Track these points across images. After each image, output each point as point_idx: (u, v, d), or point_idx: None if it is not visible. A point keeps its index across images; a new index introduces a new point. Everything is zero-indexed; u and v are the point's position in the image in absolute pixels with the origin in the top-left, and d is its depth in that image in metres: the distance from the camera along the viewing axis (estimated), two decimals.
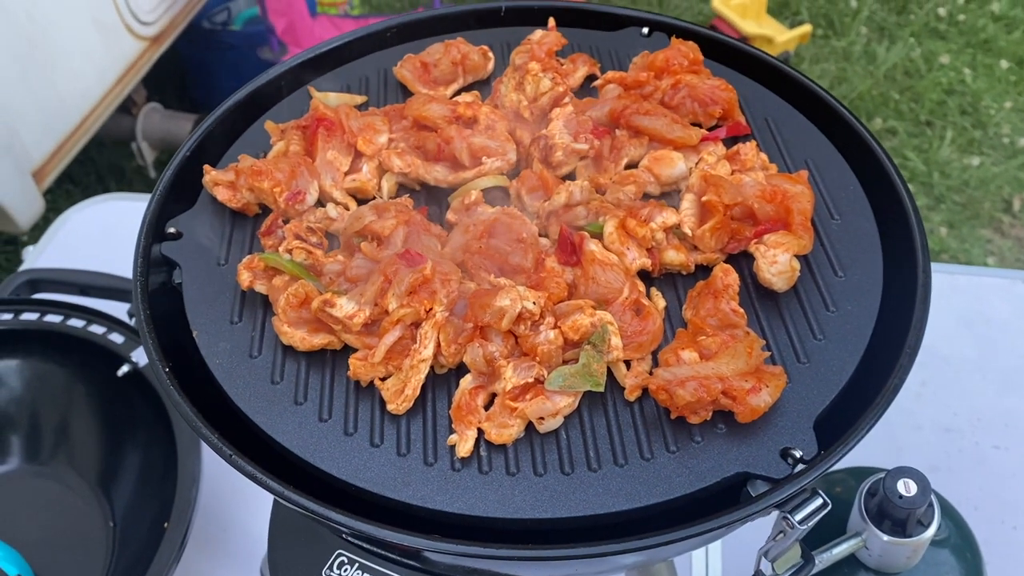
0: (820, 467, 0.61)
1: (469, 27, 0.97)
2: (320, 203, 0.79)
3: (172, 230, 0.78)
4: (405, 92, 0.90)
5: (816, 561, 0.79)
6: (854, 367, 0.68)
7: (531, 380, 0.64)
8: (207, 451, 1.13)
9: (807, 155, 0.83)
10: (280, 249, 0.72)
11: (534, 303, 0.65)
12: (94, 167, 3.34)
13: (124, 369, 1.21)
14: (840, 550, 0.80)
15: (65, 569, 1.17)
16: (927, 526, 0.78)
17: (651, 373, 0.66)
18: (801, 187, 0.74)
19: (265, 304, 0.73)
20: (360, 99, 0.88)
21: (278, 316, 0.69)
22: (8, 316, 1.26)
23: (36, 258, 1.56)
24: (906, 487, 0.76)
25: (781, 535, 0.64)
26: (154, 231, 0.78)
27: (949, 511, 0.88)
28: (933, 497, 0.79)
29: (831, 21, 3.98)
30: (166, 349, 0.70)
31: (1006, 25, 3.92)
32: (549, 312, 0.67)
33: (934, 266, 1.59)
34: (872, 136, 0.83)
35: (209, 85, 3.30)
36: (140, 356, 1.22)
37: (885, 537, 0.79)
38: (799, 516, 0.62)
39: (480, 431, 0.64)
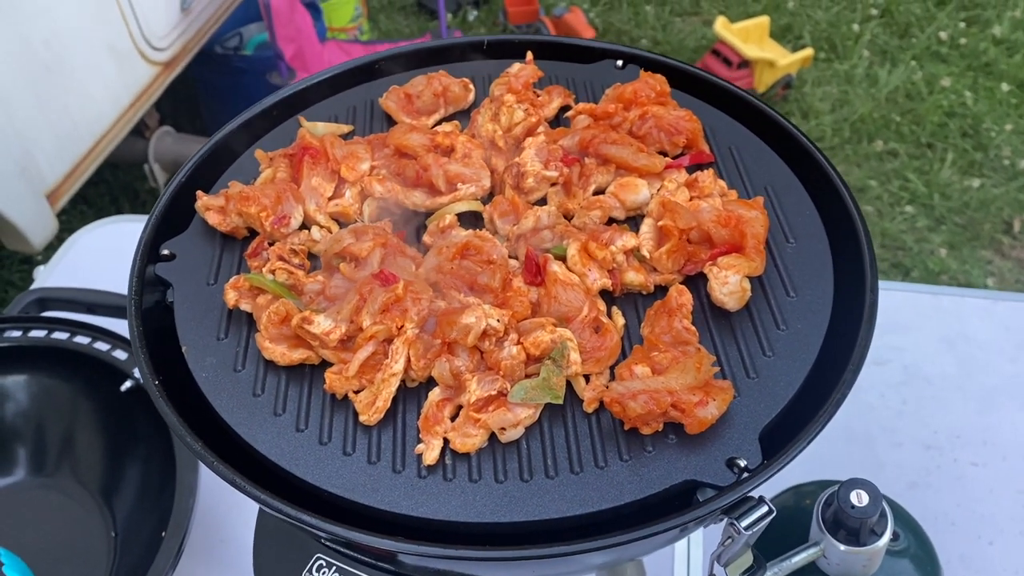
0: (762, 475, 0.65)
1: (454, 59, 1.03)
2: (305, 226, 0.84)
3: (166, 252, 0.83)
4: (390, 121, 0.95)
5: (775, 570, 0.83)
6: (800, 382, 0.72)
7: (494, 393, 0.68)
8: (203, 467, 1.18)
9: (767, 181, 0.87)
10: (264, 270, 0.77)
11: (498, 320, 0.70)
12: (108, 189, 3.41)
13: (127, 385, 1.26)
14: (799, 559, 0.84)
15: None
16: (880, 535, 0.82)
17: (607, 387, 0.70)
18: (756, 212, 0.79)
19: (250, 321, 0.77)
20: (346, 128, 0.94)
21: (260, 332, 0.74)
22: (17, 333, 1.31)
23: (47, 277, 1.62)
24: (858, 498, 0.80)
25: (730, 540, 0.68)
26: (149, 252, 0.83)
27: (908, 522, 0.92)
28: (886, 507, 0.82)
29: (833, 45, 4.04)
30: (157, 364, 0.75)
31: (1007, 48, 3.96)
32: (513, 329, 0.71)
33: (919, 287, 1.63)
34: (829, 163, 0.88)
35: (220, 109, 3.38)
36: None
37: (841, 547, 0.83)
38: (745, 522, 0.65)
39: (446, 440, 0.68)
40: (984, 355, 1.47)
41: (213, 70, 3.26)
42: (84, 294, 1.42)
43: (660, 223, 0.77)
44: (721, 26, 3.74)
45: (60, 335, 1.31)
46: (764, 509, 0.66)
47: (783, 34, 4.07)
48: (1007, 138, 3.59)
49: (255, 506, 0.85)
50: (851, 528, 0.81)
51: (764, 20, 3.80)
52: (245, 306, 0.77)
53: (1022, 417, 1.37)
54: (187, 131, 3.27)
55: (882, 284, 1.56)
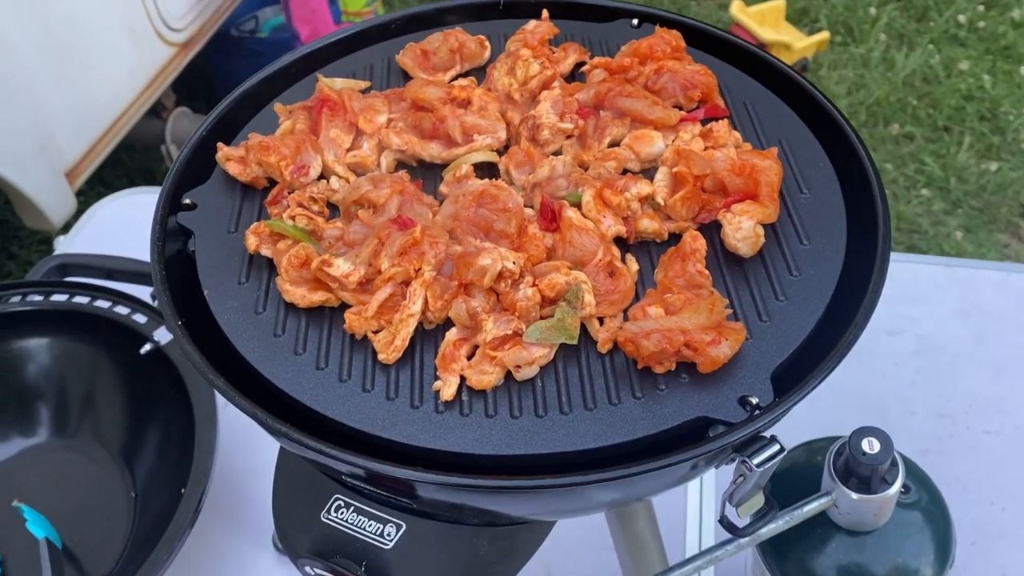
0: (774, 412, 0.66)
1: (470, 19, 1.04)
2: (323, 177, 0.85)
3: (187, 201, 0.85)
4: (407, 78, 0.96)
5: (787, 518, 0.84)
6: (813, 325, 0.72)
7: (510, 332, 0.70)
8: (223, 427, 1.20)
9: (781, 135, 0.88)
10: (284, 216, 0.78)
11: (514, 263, 0.71)
12: (125, 171, 3.44)
13: (147, 348, 1.28)
14: (810, 508, 0.85)
15: (90, 536, 1.23)
16: (891, 483, 0.83)
17: (621, 327, 0.71)
18: (770, 162, 0.79)
19: (270, 267, 0.79)
20: (364, 84, 0.95)
21: (281, 276, 0.75)
22: (39, 297, 1.33)
23: (67, 246, 1.65)
24: (870, 445, 0.81)
25: (741, 479, 0.69)
26: (171, 203, 0.84)
27: (920, 476, 0.93)
28: (897, 456, 0.83)
29: (850, 28, 4.02)
30: (179, 306, 0.76)
31: None
32: (528, 272, 0.72)
33: (934, 259, 1.63)
34: (845, 119, 0.88)
35: None
36: (162, 335, 1.29)
37: (852, 495, 0.83)
38: (757, 460, 0.66)
39: (462, 378, 0.69)
40: (998, 326, 1.47)
41: (229, 52, 3.29)
42: (104, 260, 1.44)
43: (675, 170, 0.77)
44: (737, 9, 3.73)
45: (81, 299, 1.33)
46: (776, 447, 0.67)
47: (799, 17, 4.06)
48: None
49: (274, 467, 0.87)
50: (862, 476, 0.82)
51: (780, 3, 3.78)
52: (265, 251, 0.78)
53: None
54: (203, 112, 3.30)
55: (897, 256, 1.56)
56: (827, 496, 0.85)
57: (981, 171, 3.41)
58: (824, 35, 3.75)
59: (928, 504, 0.91)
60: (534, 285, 0.71)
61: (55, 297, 1.34)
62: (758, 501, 0.74)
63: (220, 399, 1.21)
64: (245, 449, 1.31)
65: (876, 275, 0.74)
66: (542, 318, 0.71)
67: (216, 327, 0.76)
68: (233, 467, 1.30)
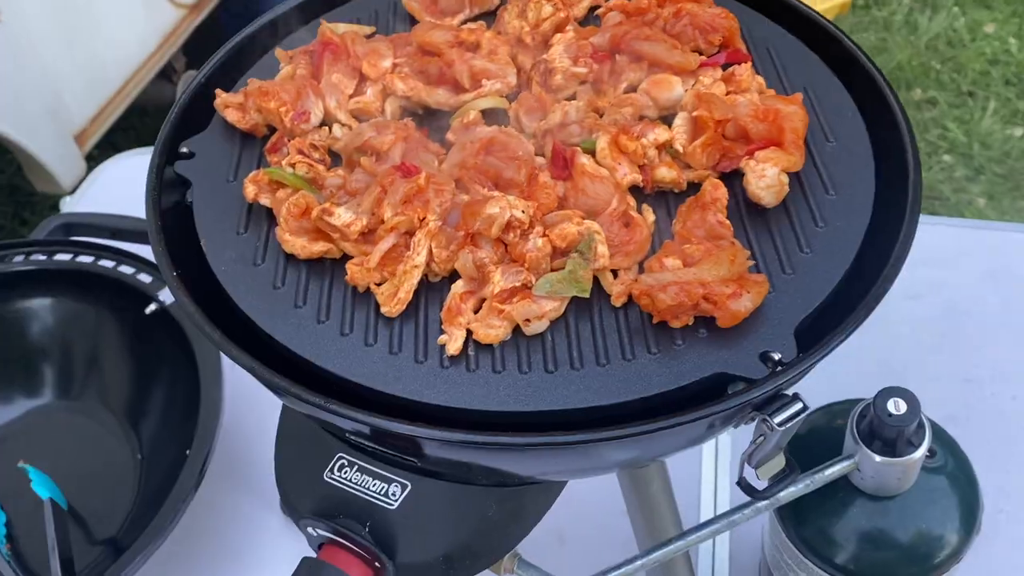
0: (798, 368, 0.62)
1: None
2: (325, 123, 0.81)
3: (185, 150, 0.81)
4: (413, 23, 0.92)
5: (808, 482, 0.81)
6: (839, 278, 0.69)
7: (519, 285, 0.66)
8: (230, 388, 1.17)
9: (806, 82, 0.83)
10: (284, 163, 0.75)
11: (523, 211, 0.67)
12: (136, 135, 3.41)
13: (151, 308, 1.26)
14: (832, 471, 0.82)
15: (96, 497, 1.22)
16: (917, 446, 0.79)
17: (636, 280, 0.68)
18: (795, 107, 0.75)
19: (270, 217, 0.76)
20: (368, 30, 0.91)
21: (280, 226, 0.72)
22: (43, 256, 1.31)
23: (73, 207, 1.62)
24: (896, 406, 0.77)
25: (762, 439, 0.65)
26: (168, 151, 0.81)
27: (946, 440, 0.89)
28: (924, 418, 0.80)
29: None
30: (176, 260, 0.73)
31: None
32: (539, 221, 0.69)
33: (961, 221, 1.58)
34: (873, 64, 0.84)
35: None
36: (167, 295, 1.26)
37: (877, 458, 0.80)
38: (778, 419, 0.63)
39: (469, 332, 0.66)
40: None
41: (240, 14, 3.23)
42: (108, 219, 1.42)
43: (695, 114, 0.73)
44: None
45: (85, 259, 1.31)
46: (798, 406, 0.64)
47: None
48: None
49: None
50: (887, 438, 0.78)
51: None
52: (265, 200, 0.75)
53: None
54: None
55: (923, 218, 1.51)
56: (850, 459, 0.82)
57: (1006, 137, 3.34)
58: None
59: (954, 469, 0.87)
60: (544, 235, 0.68)
61: (59, 256, 1.31)
62: (778, 463, 0.71)
63: (226, 359, 1.18)
64: (252, 410, 1.28)
65: (906, 226, 0.70)
66: (553, 270, 0.68)
67: (213, 278, 0.73)
68: (241, 427, 1.28)
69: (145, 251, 1.35)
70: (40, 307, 1.32)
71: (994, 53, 3.61)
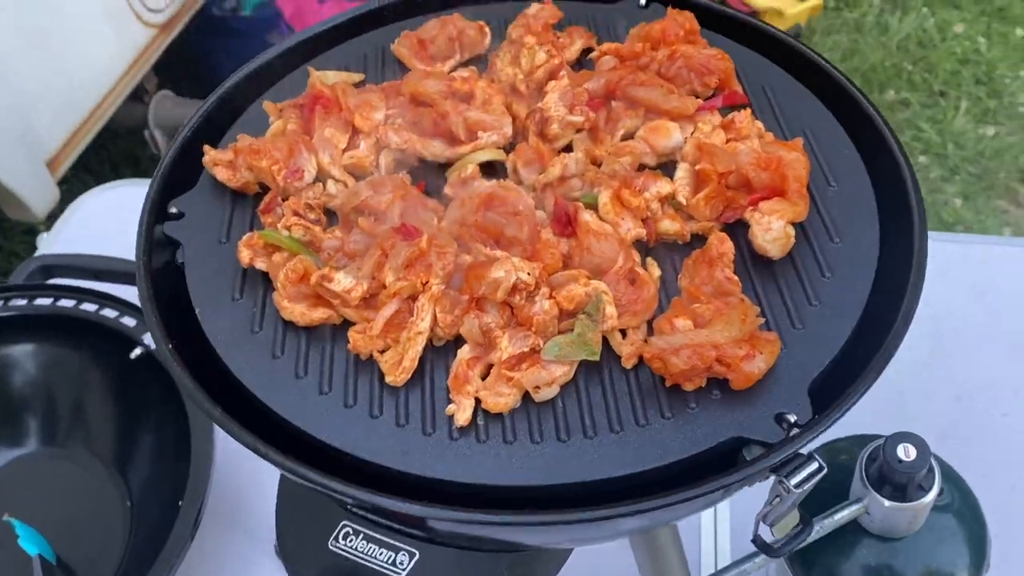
0: (814, 431, 0.61)
1: (466, 3, 0.98)
2: (319, 180, 0.79)
3: (174, 210, 0.79)
4: (403, 69, 0.90)
5: (817, 527, 0.80)
6: (849, 332, 0.68)
7: (527, 350, 0.65)
8: (221, 431, 1.15)
9: (804, 123, 0.83)
10: (279, 226, 0.73)
11: (528, 274, 0.66)
12: (108, 156, 3.36)
13: (137, 352, 1.23)
14: (842, 516, 0.81)
15: (85, 548, 1.19)
16: (928, 490, 0.79)
17: (647, 341, 0.66)
18: (796, 154, 0.74)
19: (266, 281, 0.74)
20: (358, 77, 0.89)
21: (278, 292, 0.70)
22: (22, 302, 1.28)
23: (50, 244, 1.58)
24: (906, 452, 0.77)
25: (778, 499, 0.64)
26: (157, 211, 0.79)
27: (952, 477, 0.89)
28: (933, 461, 0.79)
29: None
30: (170, 327, 0.71)
31: None
32: (544, 283, 0.67)
33: (946, 236, 1.59)
34: (869, 102, 0.83)
35: (220, 71, 3.31)
36: (151, 339, 1.23)
37: (886, 502, 0.79)
38: (795, 480, 0.62)
39: (477, 400, 0.65)
40: (1014, 304, 1.43)
41: (211, 32, 3.19)
42: (89, 260, 1.38)
43: (697, 167, 0.72)
44: None
45: (66, 303, 1.28)
46: (814, 466, 0.63)
47: None
48: (1022, 85, 3.52)
49: (275, 473, 0.82)
50: (897, 483, 0.78)
51: None
52: (260, 264, 0.73)
53: None
54: (187, 95, 3.21)
55: None
56: (859, 503, 0.81)
57: (979, 136, 3.37)
58: (817, 1, 3.67)
59: (961, 505, 0.87)
60: (551, 297, 0.66)
61: (39, 301, 1.28)
62: (793, 519, 0.70)
63: None
64: (245, 455, 1.26)
65: (914, 275, 0.69)
66: (560, 332, 0.67)
67: (210, 347, 0.70)
68: (234, 471, 1.26)
69: (128, 292, 1.32)
70: (22, 354, 1.29)
71: (964, 53, 3.64)
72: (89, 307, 1.27)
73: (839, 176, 0.79)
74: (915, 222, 0.72)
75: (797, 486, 0.62)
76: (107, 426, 1.27)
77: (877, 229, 0.74)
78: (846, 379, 0.64)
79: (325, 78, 0.86)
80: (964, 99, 3.48)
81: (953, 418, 1.31)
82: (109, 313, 1.27)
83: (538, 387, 0.64)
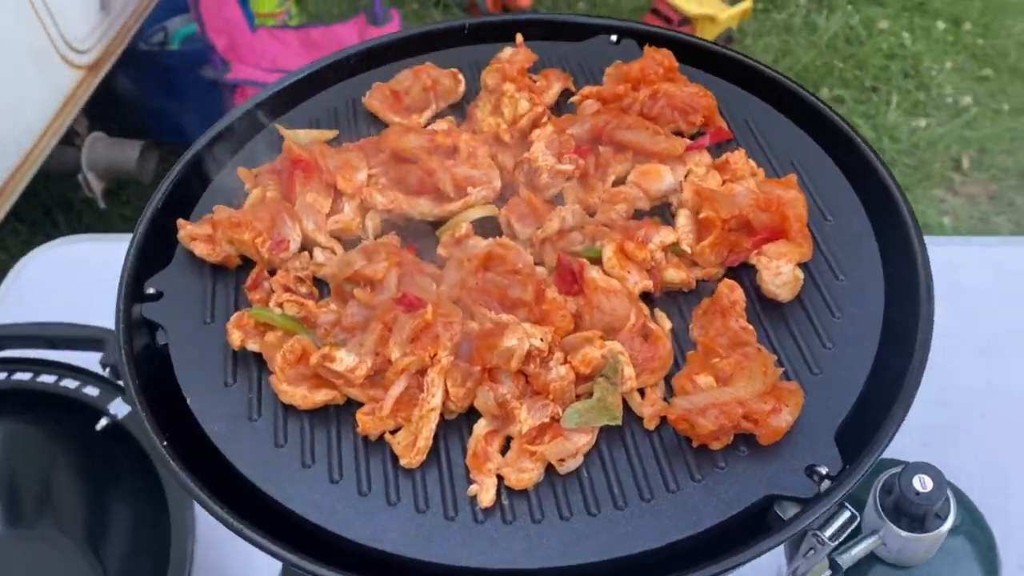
0: (847, 483, 0.60)
1: (433, 48, 0.95)
2: (304, 248, 0.76)
3: (152, 290, 0.75)
4: (376, 122, 0.87)
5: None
6: (867, 373, 0.67)
7: (547, 420, 0.62)
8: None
9: (791, 155, 0.82)
10: (272, 303, 0.69)
11: (541, 339, 0.63)
12: (40, 202, 3.24)
13: (103, 423, 1.17)
14: (860, 549, 0.80)
15: None
16: (944, 519, 0.78)
17: (666, 399, 0.65)
18: (794, 192, 0.73)
19: (259, 362, 0.70)
20: (331, 134, 0.86)
21: (276, 375, 0.66)
22: None
23: None
24: (922, 483, 0.76)
25: (811, 552, 0.63)
26: (132, 292, 0.74)
27: (960, 498, 0.88)
28: (948, 491, 0.78)
29: None
30: (158, 416, 0.67)
31: None
32: (557, 347, 0.65)
33: None
34: (852, 128, 0.83)
35: (152, 108, 3.23)
36: (118, 408, 1.18)
37: (903, 534, 0.78)
38: (828, 532, 0.61)
39: (499, 478, 0.62)
40: (979, 304, 1.44)
41: (140, 69, 3.10)
42: (43, 328, 1.31)
43: (701, 215, 0.71)
44: None
45: (22, 376, 1.22)
46: (847, 515, 0.62)
47: None
48: (947, 76, 3.61)
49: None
50: (915, 515, 0.77)
51: None
52: (252, 346, 0.69)
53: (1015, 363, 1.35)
54: (119, 135, 3.11)
55: None
56: (875, 535, 0.80)
57: (912, 128, 3.44)
58: (747, 4, 3.72)
59: (971, 526, 0.87)
60: (566, 362, 0.64)
61: None
62: (823, 567, 0.69)
63: None
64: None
65: (924, 308, 0.69)
66: (578, 397, 0.64)
67: (204, 439, 0.66)
68: (216, 541, 1.20)
69: (86, 359, 1.26)
70: None
71: (890, 48, 3.72)
72: (47, 379, 1.21)
73: (833, 209, 0.78)
74: (916, 252, 0.72)
75: (832, 538, 0.61)
76: (77, 502, 1.21)
77: (879, 262, 0.74)
78: (869, 422, 0.63)
79: (297, 137, 0.83)
80: (895, 93, 3.56)
81: (933, 423, 1.32)
82: (69, 384, 1.21)
83: (563, 459, 0.61)
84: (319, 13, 4.00)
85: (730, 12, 3.70)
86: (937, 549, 0.82)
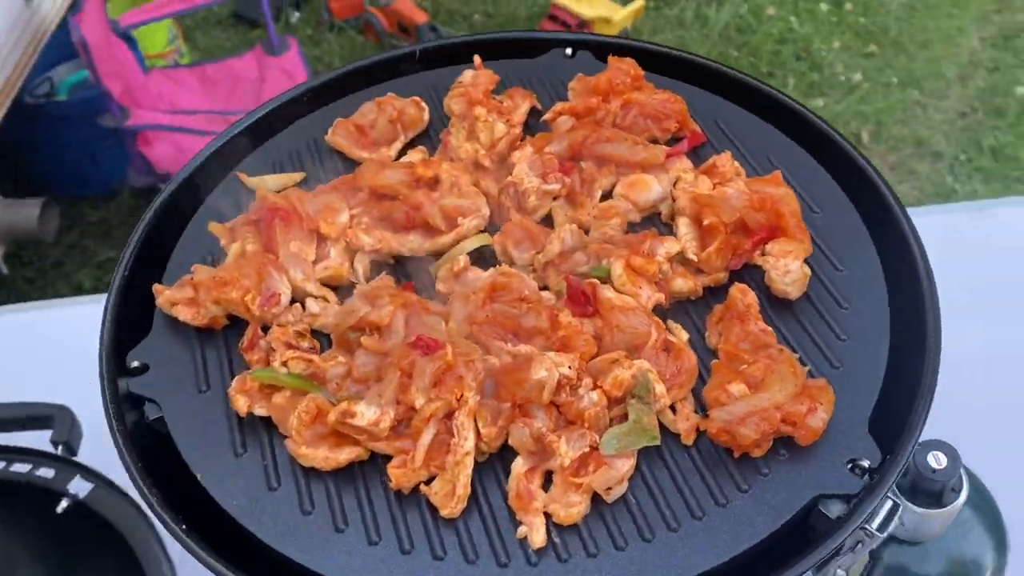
0: (892, 473, 0.60)
1: (386, 78, 0.92)
2: (295, 300, 0.72)
3: (136, 364, 0.70)
4: (343, 159, 0.84)
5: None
6: (886, 361, 0.67)
7: (587, 449, 0.60)
8: (178, 561, 1.04)
9: (767, 151, 0.82)
10: (276, 363, 0.65)
11: (570, 367, 0.62)
12: None
13: (63, 504, 1.10)
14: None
15: None
16: (959, 492, 0.79)
17: (697, 411, 0.64)
18: (783, 189, 0.74)
19: (268, 426, 0.66)
20: (298, 176, 0.82)
21: (292, 438, 0.63)
22: None
23: None
24: (937, 460, 0.77)
25: (859, 545, 0.63)
26: (114, 367, 0.69)
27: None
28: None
29: None
30: (169, 498, 0.62)
31: None
32: (585, 373, 0.63)
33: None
34: (819, 118, 0.84)
35: (47, 162, 3.08)
36: (78, 487, 1.11)
37: (920, 510, 0.79)
38: (875, 524, 0.61)
39: (546, 515, 0.60)
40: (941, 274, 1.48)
41: (28, 121, 2.95)
42: None
43: (705, 222, 0.70)
44: None
45: None
46: (889, 504, 0.62)
47: None
48: (837, 55, 3.75)
49: None
50: (931, 492, 0.78)
51: None
52: (260, 410, 0.65)
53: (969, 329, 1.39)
54: (12, 195, 2.96)
55: None
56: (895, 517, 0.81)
57: (811, 109, 3.56)
58: (639, 3, 3.78)
59: (976, 498, 0.88)
60: (596, 387, 0.62)
61: None
62: (863, 560, 0.69)
63: (169, 542, 1.04)
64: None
65: (928, 289, 0.70)
66: (611, 422, 0.63)
67: (223, 515, 0.62)
68: None
69: (35, 439, 1.18)
70: None
71: (780, 33, 3.84)
72: None
73: (820, 201, 0.78)
74: (909, 238, 0.72)
75: (880, 529, 0.61)
76: None
77: (874, 249, 0.74)
78: (899, 407, 0.64)
79: (265, 184, 0.79)
80: (790, 76, 3.67)
81: None
82: (20, 468, 1.13)
83: (609, 488, 0.60)
84: (210, 48, 3.90)
85: (624, 12, 3.75)
86: (950, 523, 0.84)
